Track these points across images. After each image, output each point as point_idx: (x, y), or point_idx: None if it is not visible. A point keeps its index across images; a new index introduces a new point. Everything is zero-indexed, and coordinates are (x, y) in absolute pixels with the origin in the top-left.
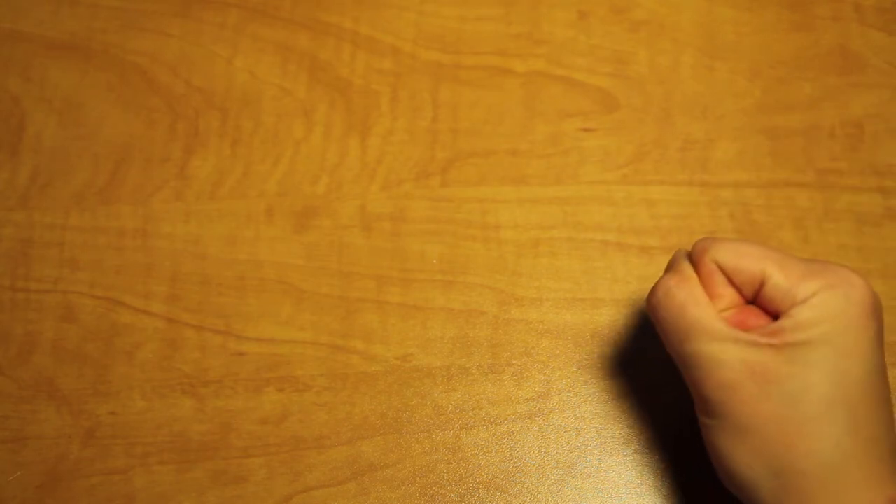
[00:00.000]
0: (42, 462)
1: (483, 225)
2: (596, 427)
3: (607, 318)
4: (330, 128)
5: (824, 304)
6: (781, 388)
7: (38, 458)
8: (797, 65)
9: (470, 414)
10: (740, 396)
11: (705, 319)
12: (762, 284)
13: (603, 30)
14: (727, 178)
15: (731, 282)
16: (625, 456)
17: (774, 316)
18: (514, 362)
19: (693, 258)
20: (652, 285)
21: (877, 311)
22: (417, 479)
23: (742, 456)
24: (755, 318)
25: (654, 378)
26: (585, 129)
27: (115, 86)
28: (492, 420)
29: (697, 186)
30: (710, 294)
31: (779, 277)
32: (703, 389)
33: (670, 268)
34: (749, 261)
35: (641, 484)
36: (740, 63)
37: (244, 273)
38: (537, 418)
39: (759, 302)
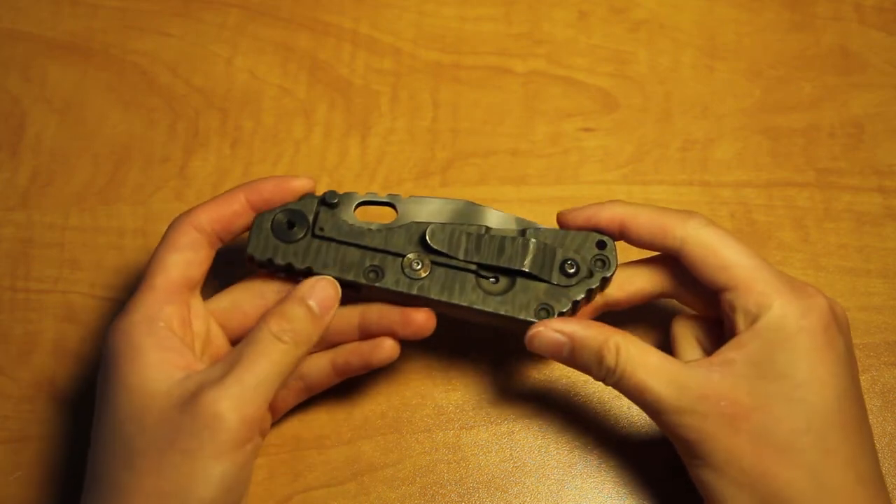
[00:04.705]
0: (42, 462)
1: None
2: (596, 427)
3: (608, 317)
4: (330, 128)
5: (771, 336)
6: (749, 422)
7: (38, 458)
8: (797, 65)
9: (470, 414)
10: (713, 434)
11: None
12: (724, 288)
13: (603, 30)
14: (727, 178)
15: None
16: (625, 456)
17: (716, 322)
18: (514, 362)
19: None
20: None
21: (839, 337)
22: (417, 479)
23: (727, 490)
24: None
25: None
26: (585, 129)
27: (115, 86)
28: (492, 420)
29: (697, 186)
30: None
31: (741, 289)
32: (675, 431)
33: None
34: (720, 259)
35: (641, 484)
36: (740, 63)
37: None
38: (537, 418)
39: (720, 301)
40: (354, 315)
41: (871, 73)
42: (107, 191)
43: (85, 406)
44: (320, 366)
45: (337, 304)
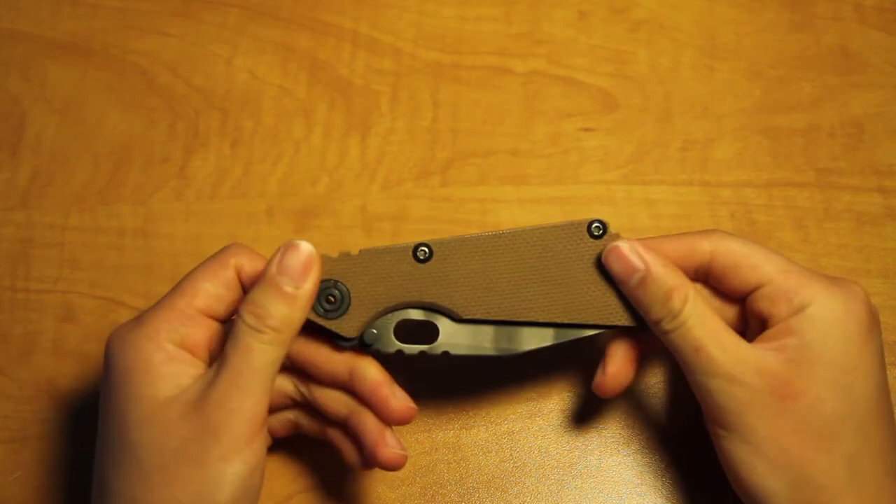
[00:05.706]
0: (42, 462)
1: (483, 225)
2: (596, 427)
3: None
4: (330, 128)
5: (823, 320)
6: (796, 403)
7: (38, 458)
8: (797, 65)
9: (470, 414)
10: (759, 410)
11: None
12: (758, 286)
13: (603, 30)
14: (727, 178)
15: (721, 279)
16: (625, 456)
17: (761, 318)
18: (514, 362)
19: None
20: None
21: (877, 327)
22: (417, 479)
23: (759, 466)
24: None
25: (654, 377)
26: (585, 129)
27: (115, 86)
28: (492, 420)
29: (697, 186)
30: None
31: (778, 281)
32: (717, 398)
33: None
34: (752, 259)
35: (641, 484)
36: (740, 63)
37: None
38: (537, 418)
39: (750, 302)
40: (344, 370)
41: (871, 73)
42: (107, 191)
43: (85, 406)
44: (336, 404)
45: (315, 262)
